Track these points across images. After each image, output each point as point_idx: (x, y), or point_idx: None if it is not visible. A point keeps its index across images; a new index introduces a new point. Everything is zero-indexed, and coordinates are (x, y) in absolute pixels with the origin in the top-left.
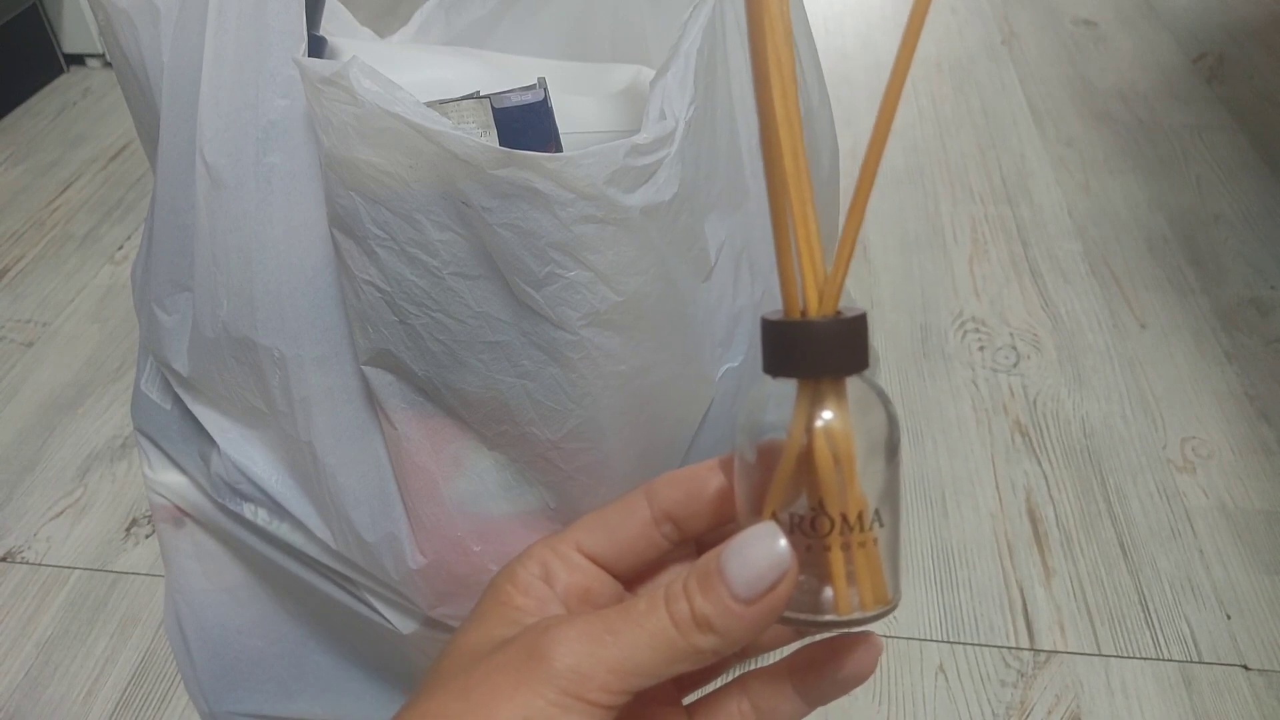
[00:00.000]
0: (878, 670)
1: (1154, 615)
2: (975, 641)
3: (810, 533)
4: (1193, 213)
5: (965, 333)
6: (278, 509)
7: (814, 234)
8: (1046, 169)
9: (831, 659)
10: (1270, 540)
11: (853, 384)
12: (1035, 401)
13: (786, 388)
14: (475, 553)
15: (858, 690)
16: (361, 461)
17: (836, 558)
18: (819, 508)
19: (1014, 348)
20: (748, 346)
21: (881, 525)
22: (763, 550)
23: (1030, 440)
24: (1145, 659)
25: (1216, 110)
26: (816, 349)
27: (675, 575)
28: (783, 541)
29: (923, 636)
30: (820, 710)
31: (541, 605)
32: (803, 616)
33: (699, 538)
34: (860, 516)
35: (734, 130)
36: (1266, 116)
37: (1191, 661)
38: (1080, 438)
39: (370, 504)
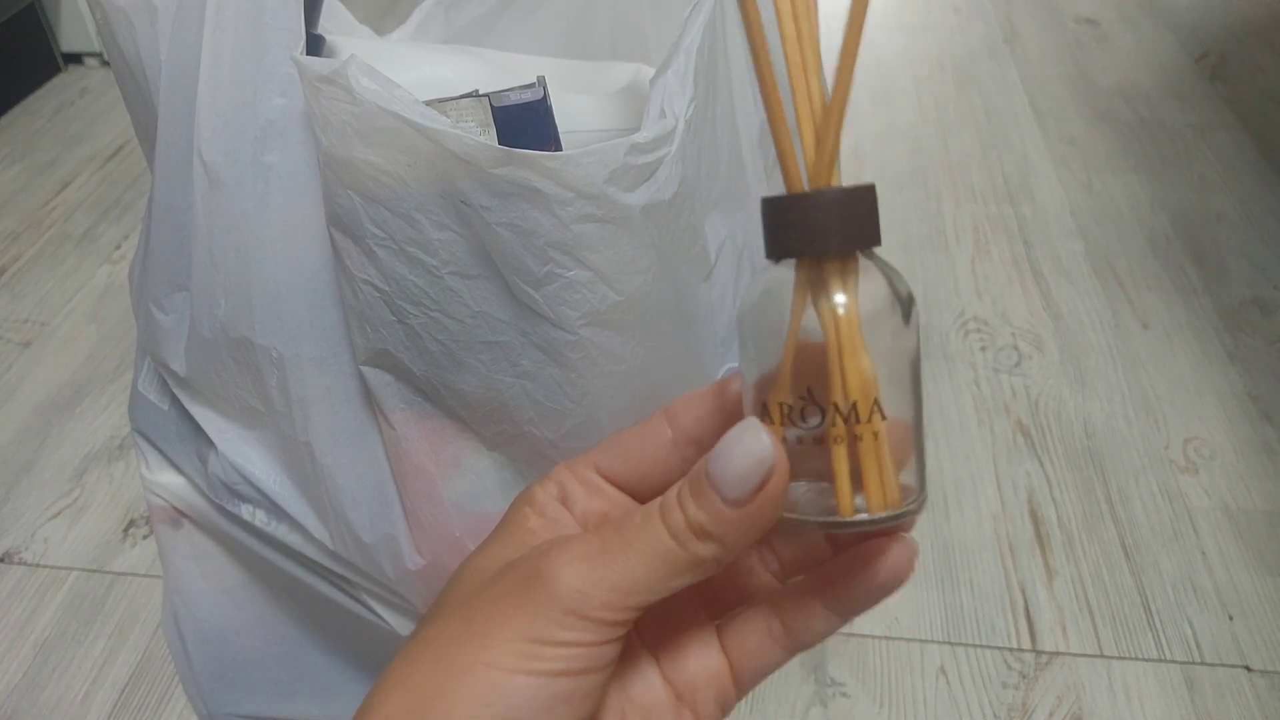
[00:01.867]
0: (878, 671)
1: (1156, 616)
2: (977, 643)
3: (802, 424)
4: (1195, 212)
5: (967, 333)
6: (275, 510)
7: (818, 102)
8: (1049, 168)
9: (862, 567)
10: (1273, 541)
11: (861, 264)
12: (1037, 402)
13: (788, 273)
14: None
15: (858, 691)
16: (360, 462)
17: (836, 451)
18: (809, 396)
19: (1016, 348)
20: None
21: (885, 417)
22: (745, 447)
23: (1032, 440)
24: (1147, 660)
25: (1219, 109)
26: (819, 222)
27: None
28: (765, 435)
29: (924, 637)
30: (820, 711)
31: (556, 528)
32: (806, 518)
33: None
34: (857, 406)
35: (734, 129)
36: (1269, 115)
37: (1194, 663)
38: (1082, 438)
39: (368, 504)
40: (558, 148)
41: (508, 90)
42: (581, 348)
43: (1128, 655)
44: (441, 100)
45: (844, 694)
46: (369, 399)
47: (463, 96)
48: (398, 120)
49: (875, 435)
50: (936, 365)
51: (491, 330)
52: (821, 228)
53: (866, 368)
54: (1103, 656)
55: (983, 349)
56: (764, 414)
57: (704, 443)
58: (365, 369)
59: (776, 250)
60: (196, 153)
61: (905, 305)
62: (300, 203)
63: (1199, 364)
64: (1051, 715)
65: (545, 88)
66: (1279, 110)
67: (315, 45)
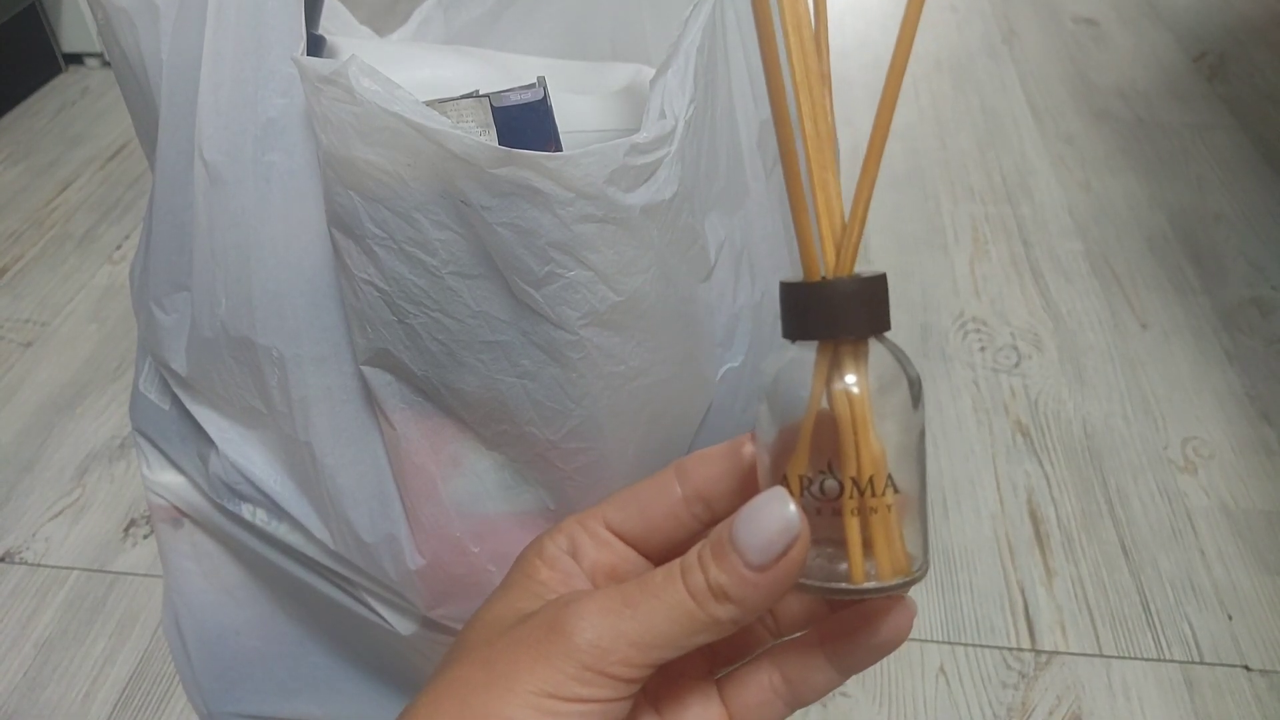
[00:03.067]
0: (877, 671)
1: (1155, 616)
2: (976, 642)
3: (822, 497)
4: (1194, 212)
5: (966, 333)
6: (276, 509)
7: (834, 195)
8: (1047, 168)
9: (863, 625)
10: (1272, 541)
11: (873, 346)
12: (1036, 401)
13: (806, 352)
14: (474, 553)
15: (858, 692)
16: (360, 462)
17: (851, 524)
18: (828, 471)
19: (1015, 348)
20: (748, 347)
21: (897, 491)
22: (772, 515)
23: (1031, 440)
24: (1147, 660)
25: (1217, 109)
26: (836, 309)
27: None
28: (791, 506)
29: (923, 638)
30: (820, 711)
31: (567, 580)
32: (819, 584)
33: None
34: (873, 481)
35: (734, 129)
36: (1268, 115)
37: (1193, 662)
38: (1081, 438)
39: (369, 504)
40: (558, 148)
41: (508, 91)
42: (581, 348)
43: (1127, 655)
44: (442, 101)
45: (843, 694)
46: (369, 399)
47: (463, 97)
48: (398, 120)
49: (889, 508)
50: (935, 365)
51: (492, 330)
52: (840, 314)
53: (877, 445)
54: (1102, 656)
55: (981, 349)
56: (783, 484)
57: (714, 502)
58: (366, 369)
59: (795, 332)
60: (197, 152)
61: (914, 386)
62: (301, 202)
63: (1198, 364)
64: (1051, 715)
65: (545, 88)
66: (1277, 110)
67: (316, 45)
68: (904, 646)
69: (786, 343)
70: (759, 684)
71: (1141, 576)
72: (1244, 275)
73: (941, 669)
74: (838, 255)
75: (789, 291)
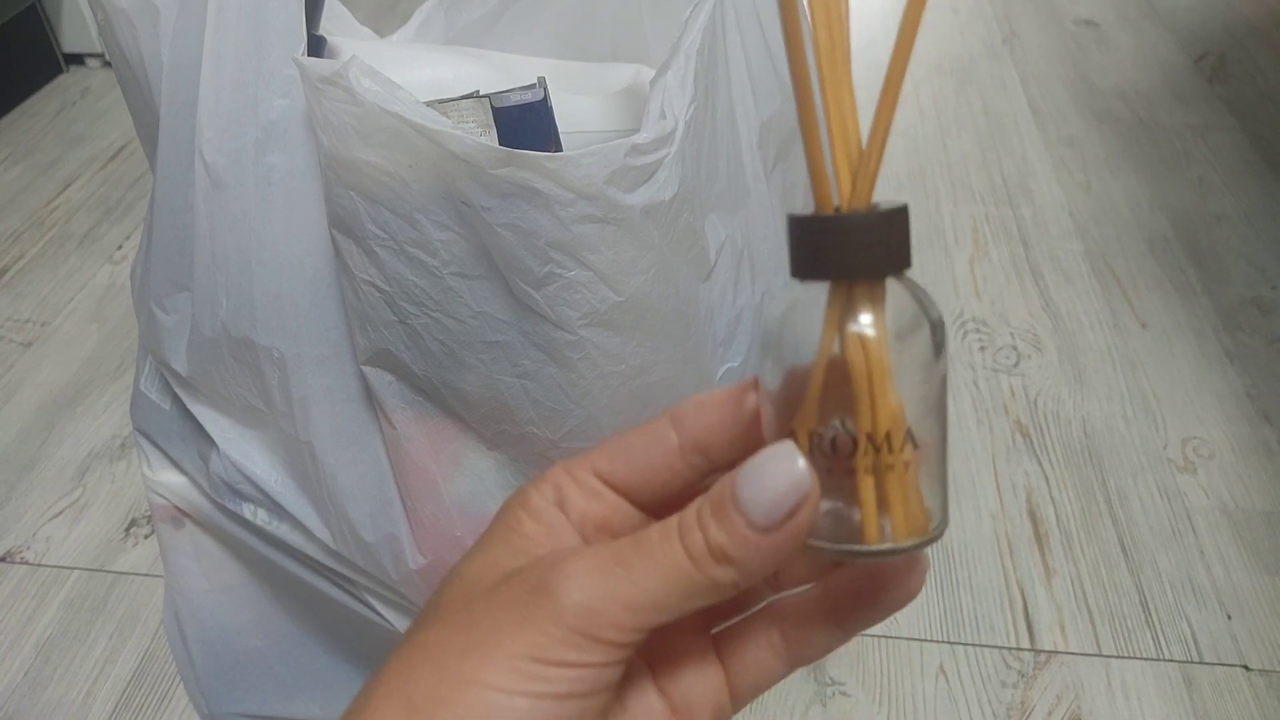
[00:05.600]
0: (877, 670)
1: (1155, 615)
2: (976, 642)
3: (832, 454)
4: (1194, 213)
5: (966, 333)
6: (277, 509)
7: (850, 117)
8: (1048, 169)
9: (870, 585)
10: (1271, 540)
11: (891, 287)
12: (1036, 401)
13: (816, 293)
14: None
15: (858, 691)
16: (361, 461)
17: (865, 482)
18: (841, 425)
19: (1015, 348)
20: (748, 347)
21: (916, 446)
22: (780, 472)
23: (1031, 440)
24: (1146, 659)
25: (1218, 110)
26: (851, 245)
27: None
28: (801, 462)
29: (923, 637)
30: (820, 710)
31: (553, 533)
32: (829, 545)
33: (730, 468)
34: (889, 436)
35: (734, 130)
36: (1268, 116)
37: (1192, 662)
38: (1081, 438)
39: (370, 504)
40: (558, 148)
41: (508, 91)
42: (581, 348)
43: (1126, 654)
44: (442, 101)
45: (843, 693)
46: (370, 398)
47: (463, 97)
48: (399, 121)
49: (906, 465)
50: None
51: (492, 330)
52: (854, 251)
53: (894, 396)
54: (1101, 655)
55: (981, 349)
56: (790, 438)
57: (711, 452)
58: (366, 369)
59: (805, 270)
60: (198, 153)
61: (937, 330)
62: (302, 203)
63: (1198, 364)
64: (1050, 714)
65: (546, 89)
66: (1278, 111)
67: (316, 46)
68: (904, 646)
69: (794, 282)
70: (758, 642)
71: (1141, 576)
72: (1244, 275)
73: (941, 668)
74: (854, 185)
75: (798, 225)
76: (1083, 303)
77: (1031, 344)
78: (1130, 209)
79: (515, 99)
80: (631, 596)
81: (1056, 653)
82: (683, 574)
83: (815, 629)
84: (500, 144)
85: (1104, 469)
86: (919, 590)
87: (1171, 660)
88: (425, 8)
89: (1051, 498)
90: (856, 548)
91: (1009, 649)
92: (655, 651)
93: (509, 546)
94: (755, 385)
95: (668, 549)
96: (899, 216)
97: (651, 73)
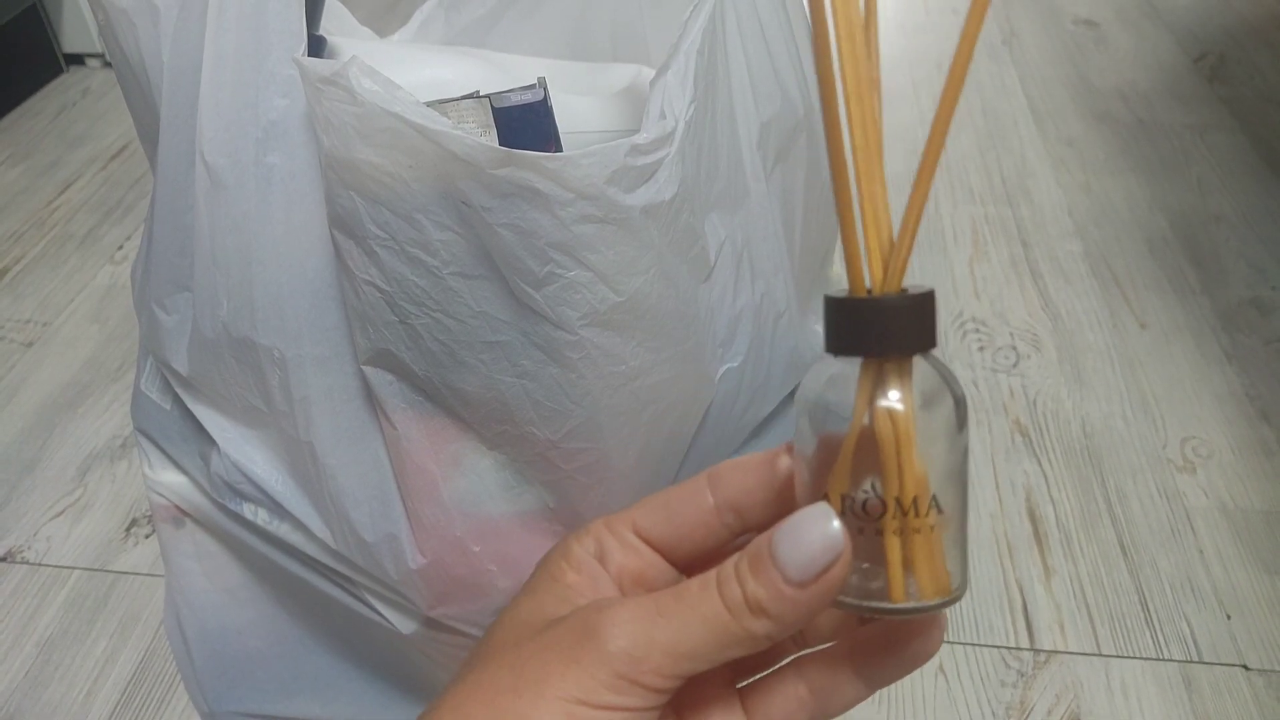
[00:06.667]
0: None
1: (1154, 615)
2: (975, 641)
3: (863, 516)
4: (1193, 213)
5: (965, 333)
6: (278, 509)
7: (881, 209)
8: (1047, 169)
9: (893, 641)
10: (1270, 540)
11: (918, 364)
12: (1035, 401)
13: (849, 368)
14: (475, 553)
15: None
16: (361, 461)
17: (892, 543)
18: (873, 490)
19: (1014, 348)
20: (748, 347)
21: (941, 511)
22: (815, 532)
23: (1030, 440)
24: (1145, 659)
25: (1217, 110)
26: (882, 326)
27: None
28: (835, 523)
29: None
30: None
31: (593, 584)
32: (858, 603)
33: (761, 529)
34: (917, 501)
35: (734, 130)
36: (1268, 117)
37: (1191, 661)
38: (1080, 438)
39: (370, 504)
40: (558, 149)
41: (508, 91)
42: (581, 348)
43: (1126, 654)
44: (442, 101)
45: None
46: (371, 399)
47: (464, 98)
48: (399, 121)
49: (931, 529)
50: None
51: (492, 330)
52: (886, 331)
53: (920, 465)
54: (1101, 655)
55: (981, 349)
56: (824, 500)
57: (746, 513)
58: (367, 369)
59: (840, 347)
60: (199, 154)
61: (960, 406)
62: (302, 204)
63: (1197, 364)
64: (1050, 714)
65: (546, 89)
66: (1277, 112)
67: (317, 46)
68: None
69: (829, 357)
70: (784, 695)
71: (1140, 576)
72: (1243, 276)
73: (940, 668)
74: (885, 270)
75: (834, 306)
76: (1082, 303)
77: (1031, 344)
78: (1129, 209)
79: (515, 99)
80: (672, 644)
81: (1056, 652)
82: (721, 624)
83: (841, 682)
84: (500, 144)
85: (1103, 469)
86: (938, 647)
87: (1171, 660)
88: (425, 8)
89: (1051, 497)
90: (883, 605)
91: (1008, 649)
92: (684, 701)
93: (553, 594)
94: (788, 451)
95: (707, 600)
96: (927, 301)
97: (651, 73)
